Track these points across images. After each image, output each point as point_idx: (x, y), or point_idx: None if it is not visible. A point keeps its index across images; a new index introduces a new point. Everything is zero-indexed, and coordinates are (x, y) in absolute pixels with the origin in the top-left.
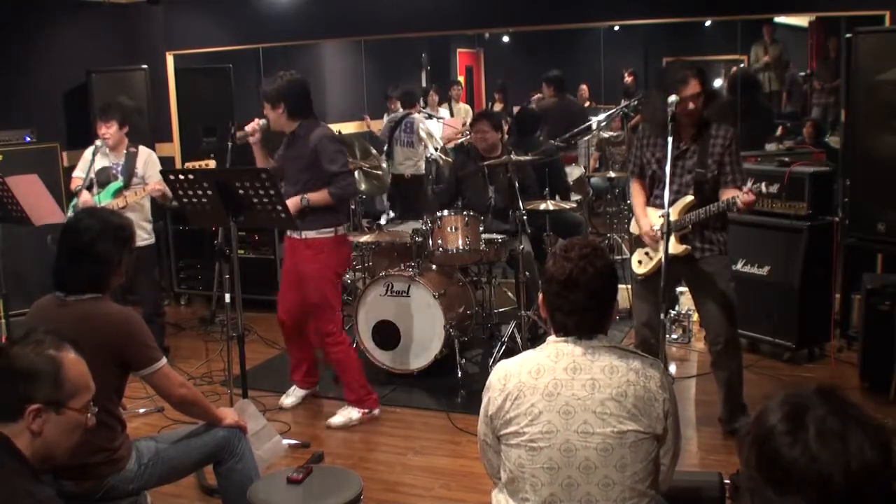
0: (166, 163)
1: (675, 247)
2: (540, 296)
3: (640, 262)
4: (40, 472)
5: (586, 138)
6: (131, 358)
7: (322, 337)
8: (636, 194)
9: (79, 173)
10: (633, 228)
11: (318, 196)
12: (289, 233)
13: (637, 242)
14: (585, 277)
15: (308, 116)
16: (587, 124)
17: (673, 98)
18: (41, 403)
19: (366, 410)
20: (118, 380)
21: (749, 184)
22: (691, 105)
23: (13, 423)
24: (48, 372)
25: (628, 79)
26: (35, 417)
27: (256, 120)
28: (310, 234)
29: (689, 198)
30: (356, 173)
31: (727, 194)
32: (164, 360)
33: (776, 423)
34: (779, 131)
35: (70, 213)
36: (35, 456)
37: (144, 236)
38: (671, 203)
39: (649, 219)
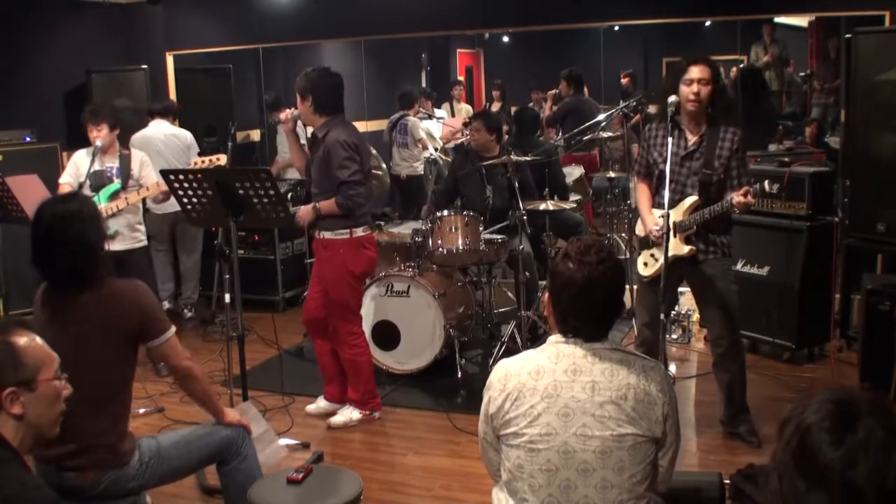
0: None
1: (680, 247)
2: (546, 298)
3: (645, 263)
4: (39, 456)
5: (586, 138)
6: (142, 328)
7: (339, 336)
8: (641, 194)
9: (67, 178)
10: (639, 230)
11: (327, 205)
12: (315, 232)
13: (643, 244)
14: (605, 281)
15: (335, 114)
16: (588, 124)
17: (673, 99)
18: (13, 386)
19: (367, 412)
20: (129, 359)
21: (749, 187)
22: (695, 88)
23: None
24: (6, 356)
25: (624, 80)
26: (12, 401)
27: (292, 108)
28: (326, 235)
29: (694, 198)
30: None
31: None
32: (173, 329)
33: (822, 418)
34: (779, 130)
35: None
36: (25, 440)
37: (139, 237)
38: (676, 203)
39: (654, 216)
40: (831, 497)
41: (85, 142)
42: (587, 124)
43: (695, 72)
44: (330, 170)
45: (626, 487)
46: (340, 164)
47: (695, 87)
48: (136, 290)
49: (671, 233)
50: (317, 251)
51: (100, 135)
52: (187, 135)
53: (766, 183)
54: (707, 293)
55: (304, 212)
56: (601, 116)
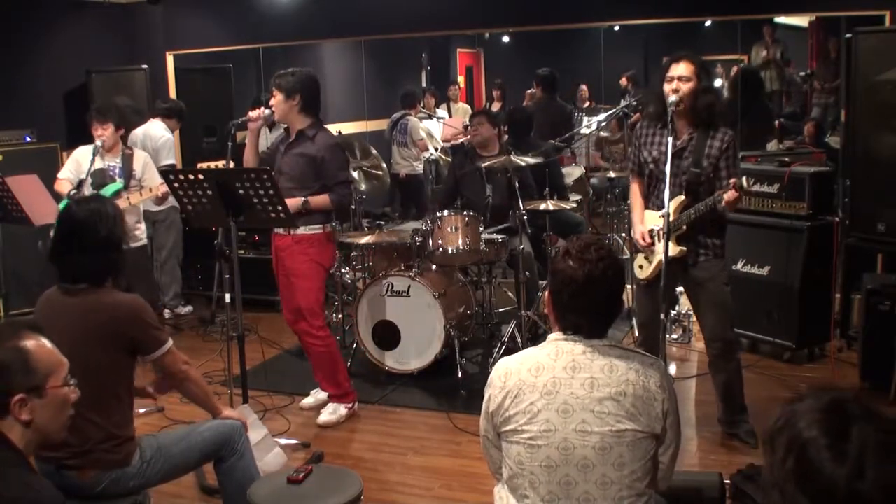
0: None
1: (671, 248)
2: (546, 295)
3: (640, 266)
4: (38, 455)
5: (579, 140)
6: (140, 343)
7: (309, 331)
8: (634, 196)
9: (66, 174)
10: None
11: (319, 200)
12: (275, 231)
13: (637, 247)
14: (605, 278)
15: (316, 116)
16: (576, 130)
17: (673, 98)
18: (23, 393)
19: (350, 405)
20: (128, 366)
21: (734, 179)
22: (675, 85)
23: (2, 420)
24: (17, 361)
25: (623, 81)
26: (21, 408)
27: (263, 108)
28: (300, 232)
29: (681, 197)
30: (356, 173)
31: None
32: (170, 342)
33: (818, 434)
34: (778, 130)
35: None
36: (31, 445)
37: (139, 237)
38: (664, 203)
39: (644, 225)
40: None
41: (85, 140)
42: (575, 131)
43: (675, 69)
44: (322, 169)
45: (627, 483)
46: (341, 165)
47: (674, 84)
48: (134, 304)
49: (668, 232)
50: (284, 247)
51: (105, 133)
52: (162, 137)
53: (743, 179)
54: (700, 295)
55: (290, 204)
56: (601, 116)
